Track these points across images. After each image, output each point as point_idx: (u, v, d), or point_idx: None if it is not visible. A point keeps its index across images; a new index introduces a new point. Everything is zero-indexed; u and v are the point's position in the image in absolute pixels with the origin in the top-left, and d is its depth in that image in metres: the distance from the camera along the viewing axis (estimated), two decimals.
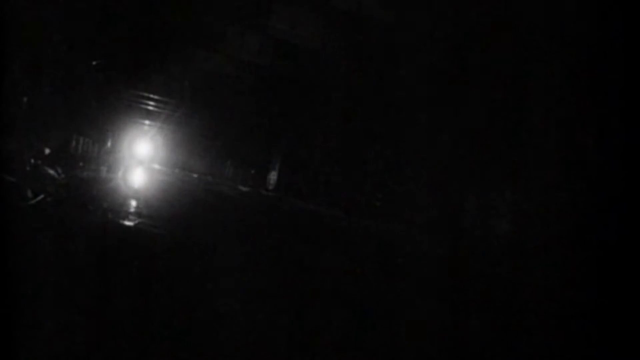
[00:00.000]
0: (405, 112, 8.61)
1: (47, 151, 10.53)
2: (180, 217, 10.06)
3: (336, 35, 8.92)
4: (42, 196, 7.62)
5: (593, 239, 5.93)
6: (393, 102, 8.87)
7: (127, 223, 7.91)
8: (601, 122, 5.80)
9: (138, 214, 9.01)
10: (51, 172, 9.24)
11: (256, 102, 14.12)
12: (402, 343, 4.43)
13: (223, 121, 19.22)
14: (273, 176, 17.50)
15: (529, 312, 5.37)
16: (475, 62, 7.24)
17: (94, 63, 12.89)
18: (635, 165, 5.24)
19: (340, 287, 6.04)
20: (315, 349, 4.03)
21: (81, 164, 14.17)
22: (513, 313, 5.44)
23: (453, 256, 7.21)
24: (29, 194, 7.17)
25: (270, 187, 17.28)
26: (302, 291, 5.76)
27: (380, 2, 8.35)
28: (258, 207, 13.03)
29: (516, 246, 6.87)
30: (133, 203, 10.52)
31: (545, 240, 6.49)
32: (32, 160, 8.72)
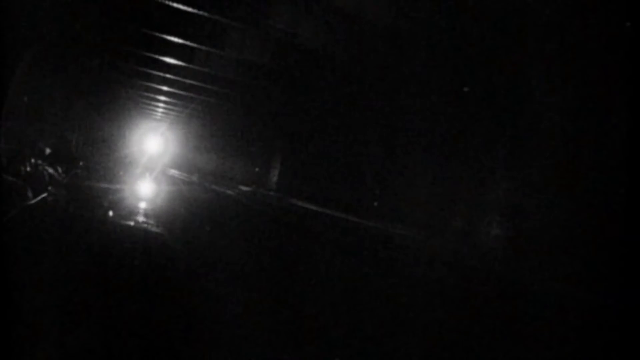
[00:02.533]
0: (405, 112, 8.62)
1: (47, 151, 10.54)
2: (181, 217, 10.08)
3: (336, 35, 8.93)
4: (42, 196, 7.63)
5: (593, 239, 5.93)
6: (393, 102, 8.87)
7: (128, 222, 7.91)
8: (601, 121, 5.80)
9: (139, 213, 9.02)
10: (51, 172, 9.25)
11: (256, 102, 14.12)
12: (402, 342, 4.43)
13: (223, 121, 19.13)
14: (274, 176, 17.52)
15: (529, 312, 5.37)
16: (475, 63, 7.25)
17: (94, 63, 12.89)
18: (636, 165, 5.24)
19: (340, 286, 6.05)
20: (315, 347, 4.03)
21: (81, 163, 14.15)
22: (513, 313, 5.44)
23: (452, 256, 7.21)
24: (29, 194, 7.17)
25: (271, 187, 17.28)
26: (302, 289, 5.77)
27: (381, 3, 8.35)
28: (259, 207, 13.04)
29: (516, 246, 6.87)
30: (134, 202, 10.54)
31: (545, 240, 6.49)
32: (33, 160, 8.73)
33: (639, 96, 4.85)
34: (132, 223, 7.98)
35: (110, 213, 8.58)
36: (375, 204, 9.50)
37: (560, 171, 6.36)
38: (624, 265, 5.15)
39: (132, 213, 9.04)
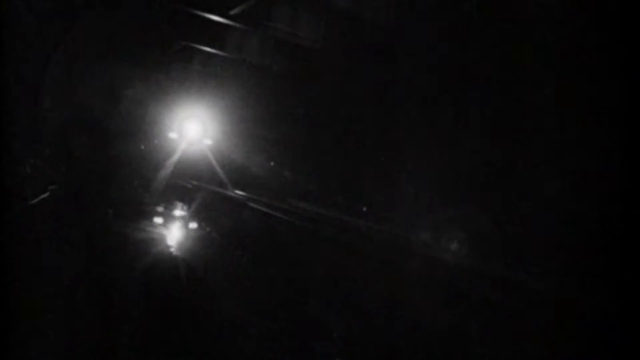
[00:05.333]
0: (405, 113, 8.63)
1: (47, 151, 10.52)
2: (181, 218, 10.06)
3: (336, 35, 8.93)
4: (42, 196, 7.63)
5: (593, 239, 5.93)
6: (392, 103, 8.88)
7: (129, 223, 7.92)
8: (600, 121, 5.80)
9: (139, 213, 9.01)
10: (51, 172, 9.24)
11: (256, 102, 14.09)
12: (401, 343, 4.43)
13: (222, 122, 18.95)
14: (274, 177, 17.42)
15: (529, 312, 5.37)
16: (474, 65, 7.25)
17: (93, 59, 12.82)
18: (635, 164, 5.24)
19: (340, 286, 6.05)
20: (314, 348, 4.04)
21: (82, 162, 14.07)
22: (513, 313, 5.44)
23: (453, 256, 7.21)
24: (29, 194, 7.18)
25: (272, 188, 17.19)
26: (302, 290, 5.77)
27: (380, 3, 8.36)
28: (259, 207, 13.01)
29: (516, 246, 6.87)
30: (134, 203, 10.50)
31: (545, 240, 6.49)
32: (32, 160, 8.72)
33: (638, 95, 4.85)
34: (132, 223, 7.98)
35: (111, 214, 8.58)
36: (365, 208, 9.49)
37: (558, 170, 6.36)
38: (623, 265, 5.15)
39: (133, 213, 9.05)
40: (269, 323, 4.46)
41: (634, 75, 5.01)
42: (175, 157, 13.62)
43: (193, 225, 9.22)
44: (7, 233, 5.04)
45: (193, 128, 14.06)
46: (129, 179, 11.39)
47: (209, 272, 6.26)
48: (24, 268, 4.46)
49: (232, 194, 12.98)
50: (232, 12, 9.06)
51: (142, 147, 15.39)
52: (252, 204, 11.36)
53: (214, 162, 14.22)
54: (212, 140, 14.06)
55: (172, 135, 14.25)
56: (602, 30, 5.56)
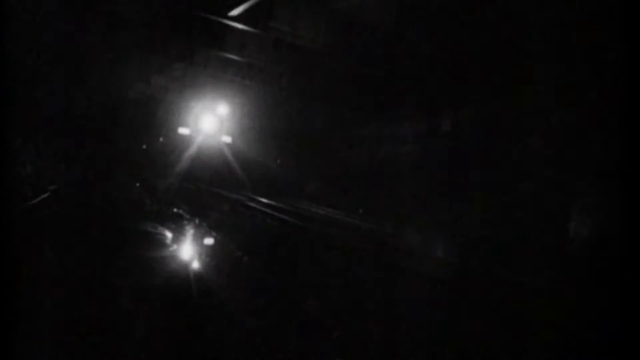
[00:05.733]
0: (405, 113, 8.64)
1: (47, 151, 10.54)
2: (183, 219, 10.08)
3: (336, 35, 8.94)
4: (42, 196, 7.64)
5: (593, 239, 5.93)
6: (393, 104, 8.90)
7: (130, 223, 7.93)
8: (600, 120, 5.81)
9: (140, 213, 9.03)
10: (51, 172, 9.26)
11: (255, 102, 14.13)
12: (401, 343, 4.43)
13: (223, 122, 19.00)
14: (271, 178, 17.45)
15: (529, 312, 5.38)
16: (473, 64, 7.26)
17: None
18: (635, 164, 5.24)
19: (340, 286, 6.05)
20: (314, 348, 4.04)
21: (83, 161, 14.08)
22: (513, 313, 5.45)
23: (452, 256, 7.23)
24: (29, 194, 7.19)
25: (271, 188, 17.22)
26: (301, 290, 5.77)
27: (381, 3, 8.36)
28: (258, 207, 13.05)
29: (517, 246, 6.88)
30: (135, 203, 10.53)
31: (546, 240, 6.50)
32: (32, 160, 8.74)
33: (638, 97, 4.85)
34: (133, 224, 7.99)
35: (111, 213, 8.60)
36: (361, 210, 9.51)
37: (559, 171, 6.37)
38: (624, 266, 5.15)
39: (133, 213, 9.06)
40: (269, 323, 4.46)
41: (634, 75, 5.01)
42: (179, 157, 13.45)
43: (194, 223, 9.32)
44: (7, 233, 5.04)
45: (195, 127, 14.30)
46: (130, 180, 11.71)
47: (209, 272, 6.32)
48: (24, 268, 4.46)
49: (235, 195, 13.05)
50: (232, 13, 9.08)
51: (144, 146, 15.64)
52: (253, 205, 11.75)
53: (216, 163, 14.36)
54: (230, 138, 14.17)
55: (177, 133, 14.41)
56: (603, 30, 5.57)
